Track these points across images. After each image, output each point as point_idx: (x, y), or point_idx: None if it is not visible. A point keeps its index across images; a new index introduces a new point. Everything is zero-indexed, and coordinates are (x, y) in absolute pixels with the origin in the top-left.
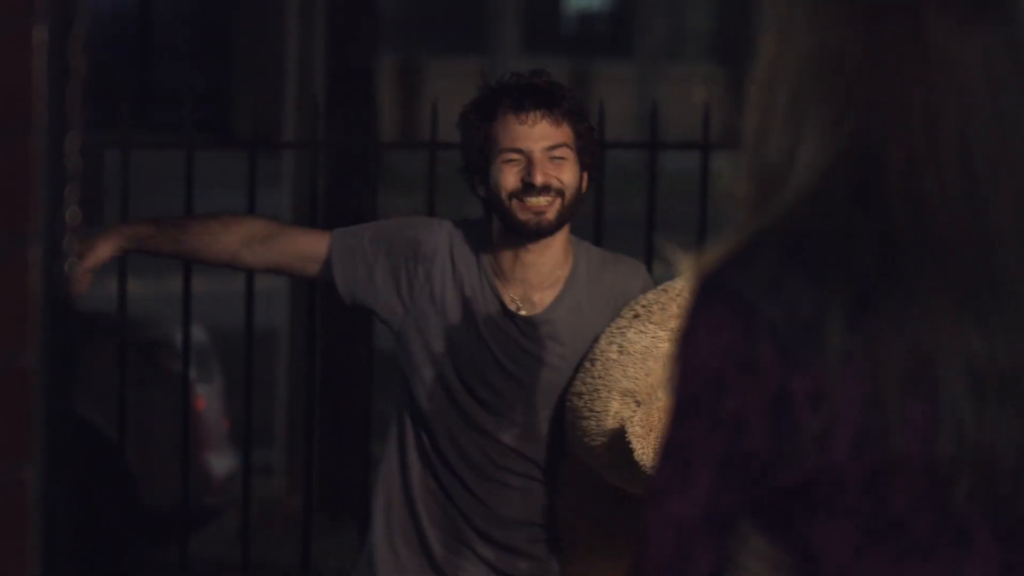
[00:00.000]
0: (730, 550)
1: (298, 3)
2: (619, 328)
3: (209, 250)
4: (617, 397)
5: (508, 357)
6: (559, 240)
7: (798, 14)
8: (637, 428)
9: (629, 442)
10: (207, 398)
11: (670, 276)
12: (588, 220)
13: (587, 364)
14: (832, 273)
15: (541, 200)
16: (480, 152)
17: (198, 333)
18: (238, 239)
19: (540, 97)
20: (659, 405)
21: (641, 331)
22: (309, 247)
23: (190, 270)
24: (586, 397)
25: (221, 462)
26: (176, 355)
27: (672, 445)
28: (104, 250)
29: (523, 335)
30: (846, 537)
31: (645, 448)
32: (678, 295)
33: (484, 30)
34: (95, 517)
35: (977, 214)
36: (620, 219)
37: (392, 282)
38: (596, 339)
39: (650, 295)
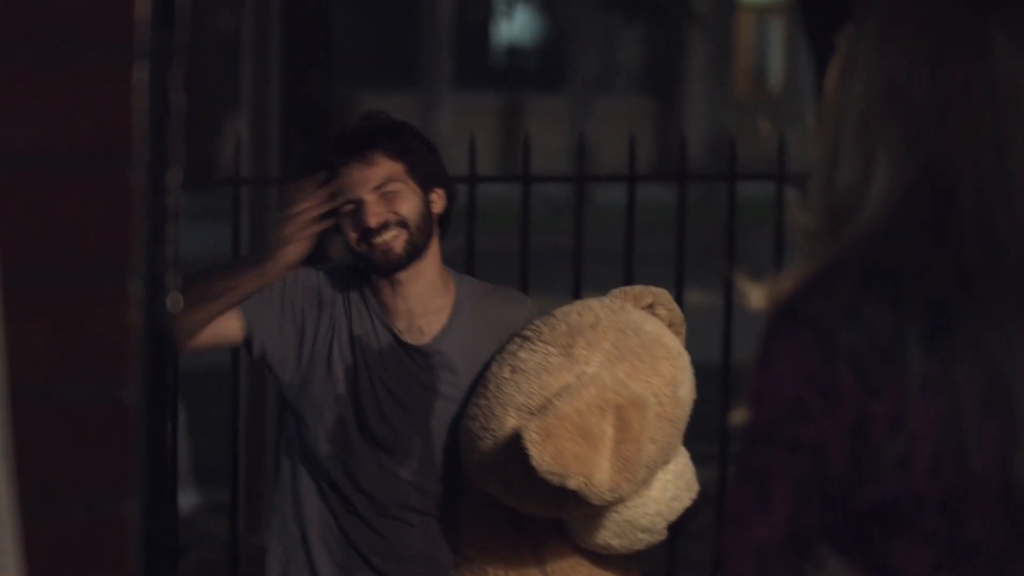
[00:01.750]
0: (808, 573)
1: (253, 39)
2: (510, 351)
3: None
4: (513, 413)
5: (402, 389)
6: (429, 266)
7: (865, 44)
8: (533, 435)
9: (526, 449)
10: (170, 435)
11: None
12: (513, 253)
13: (480, 388)
14: (909, 299)
15: (383, 238)
16: (333, 212)
17: None
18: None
19: (357, 142)
20: (557, 413)
21: (532, 350)
22: (230, 323)
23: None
24: (480, 419)
25: (185, 500)
26: None
27: (751, 468)
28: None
29: (416, 365)
30: (923, 559)
31: (542, 454)
32: (565, 315)
33: (417, 65)
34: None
35: None
36: (547, 252)
37: (298, 334)
38: (487, 365)
39: (537, 320)
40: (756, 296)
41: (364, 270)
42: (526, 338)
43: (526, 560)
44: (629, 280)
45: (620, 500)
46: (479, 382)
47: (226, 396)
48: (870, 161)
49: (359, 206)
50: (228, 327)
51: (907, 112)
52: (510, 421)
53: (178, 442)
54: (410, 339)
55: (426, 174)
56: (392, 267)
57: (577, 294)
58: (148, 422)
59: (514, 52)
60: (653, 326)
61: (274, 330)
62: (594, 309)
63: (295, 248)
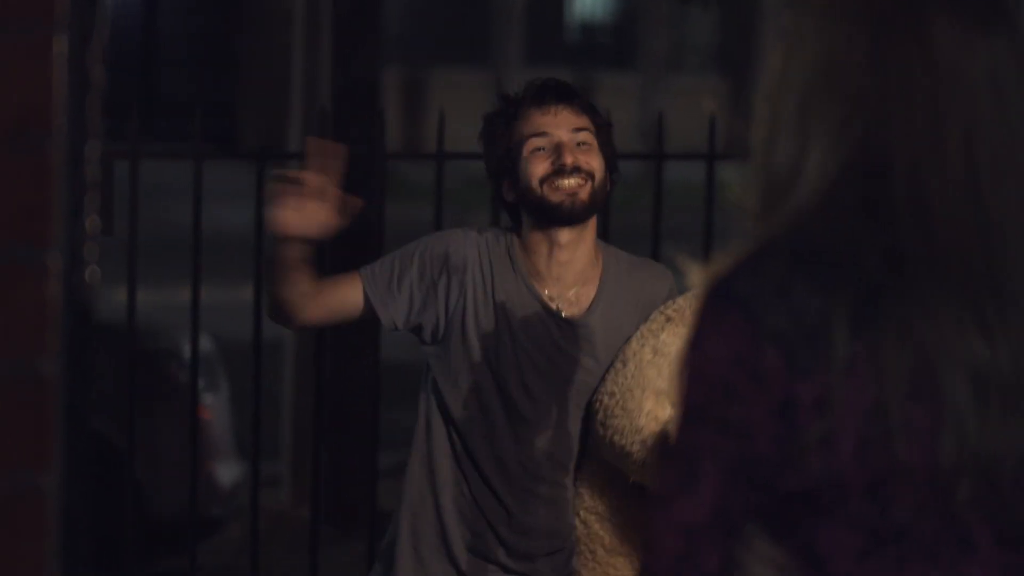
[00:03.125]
0: (736, 553)
1: (304, 16)
2: (651, 331)
3: (304, 308)
4: (652, 396)
5: (547, 359)
6: (590, 235)
7: (806, 25)
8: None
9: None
10: (213, 408)
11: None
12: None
13: (619, 365)
14: (838, 282)
15: (573, 181)
16: (507, 153)
17: (205, 343)
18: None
19: (559, 91)
20: None
21: (675, 334)
22: (346, 296)
23: (198, 280)
24: (618, 396)
25: (227, 472)
26: (183, 365)
27: (680, 449)
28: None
29: (562, 335)
30: (850, 542)
31: None
32: None
33: (488, 41)
34: (103, 526)
35: (981, 223)
36: (624, 230)
37: (429, 301)
38: (627, 341)
39: (680, 300)
40: (695, 276)
41: (538, 215)
42: (669, 319)
43: (643, 532)
44: (707, 255)
45: None
46: (618, 357)
47: (272, 371)
48: (806, 141)
49: (553, 145)
50: (346, 299)
51: (844, 93)
52: (648, 404)
53: (219, 415)
54: (559, 309)
55: (611, 148)
56: (571, 214)
57: None
58: (68, 395)
59: (586, 29)
60: None
61: (401, 301)
62: None
63: (295, 217)
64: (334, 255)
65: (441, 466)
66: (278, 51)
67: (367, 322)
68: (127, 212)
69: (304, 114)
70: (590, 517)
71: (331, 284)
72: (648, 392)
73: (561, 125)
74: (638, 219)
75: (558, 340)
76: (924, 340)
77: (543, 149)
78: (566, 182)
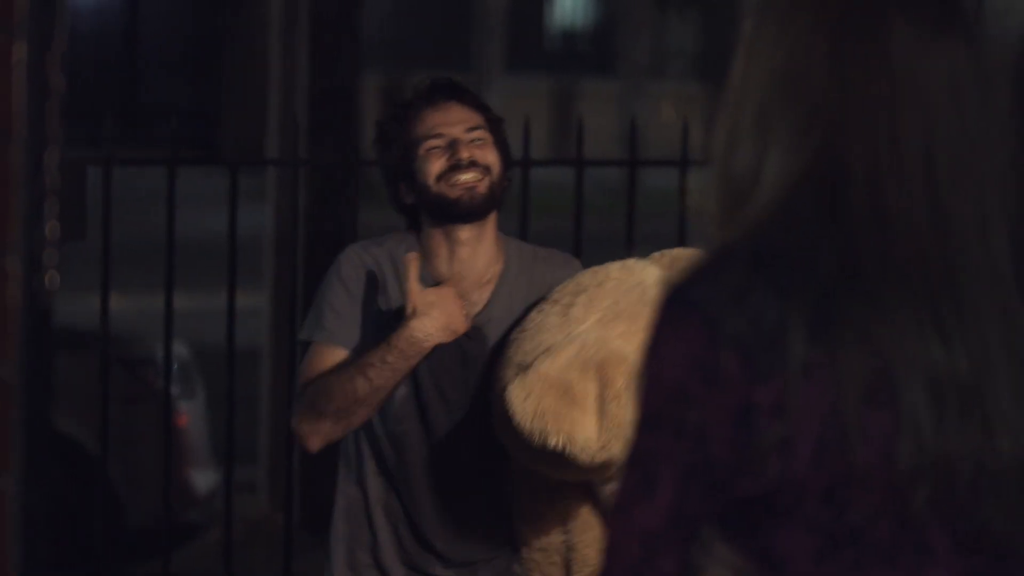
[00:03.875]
0: (694, 558)
1: (281, 22)
2: (528, 317)
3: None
4: (511, 373)
5: (456, 364)
6: (490, 231)
7: (766, 31)
8: (515, 392)
9: (508, 408)
10: (190, 415)
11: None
12: (565, 236)
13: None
14: (796, 286)
15: (470, 176)
16: (402, 156)
17: (180, 350)
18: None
19: (449, 90)
20: (537, 370)
21: (539, 310)
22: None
23: (172, 287)
24: (497, 383)
25: (203, 478)
26: (159, 372)
27: (637, 455)
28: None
29: (466, 338)
30: (807, 546)
31: (523, 412)
32: (580, 275)
33: (468, 47)
34: (77, 533)
35: (940, 229)
36: (601, 236)
37: (373, 320)
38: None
39: (560, 286)
40: (655, 280)
41: (437, 213)
42: (544, 298)
43: (553, 524)
44: None
45: (613, 460)
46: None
47: (248, 377)
48: (765, 148)
49: (448, 142)
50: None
51: (803, 100)
52: (507, 382)
53: (196, 421)
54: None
55: (504, 145)
56: (472, 208)
57: None
58: (28, 399)
59: (567, 35)
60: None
61: (367, 335)
62: (609, 269)
63: (438, 340)
64: (310, 262)
65: (372, 484)
66: (258, 57)
67: None
68: (100, 218)
69: (281, 120)
70: (518, 521)
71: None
72: (508, 370)
73: (454, 123)
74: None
75: (463, 343)
76: (882, 345)
77: (438, 148)
78: (463, 177)
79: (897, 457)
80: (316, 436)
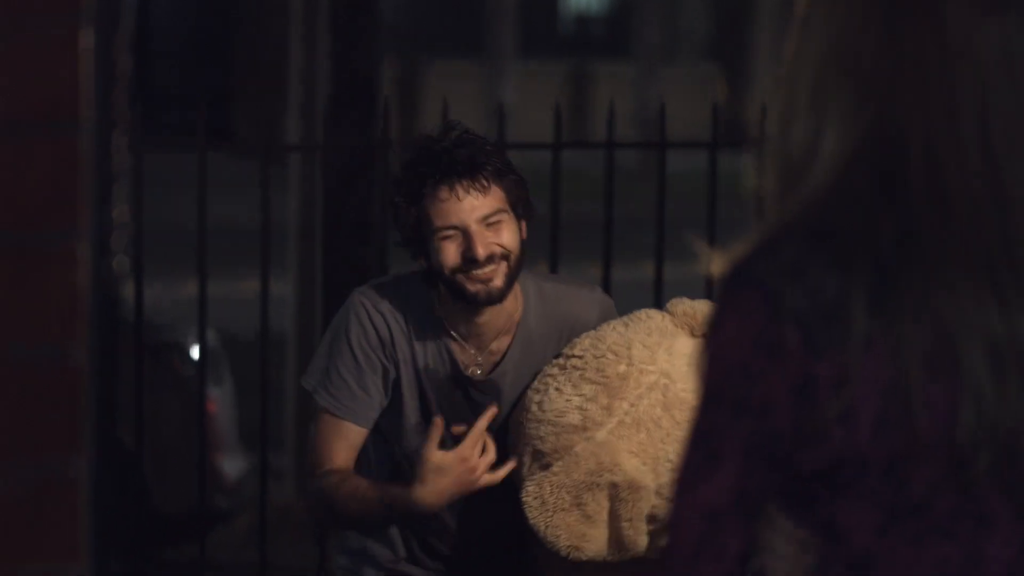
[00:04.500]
0: (758, 533)
1: (301, 8)
2: (549, 376)
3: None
4: (528, 454)
5: (466, 413)
6: (510, 293)
7: (819, 7)
8: (530, 498)
9: (524, 508)
10: (218, 401)
11: (686, 275)
12: (585, 220)
13: (521, 403)
14: (855, 260)
15: (487, 270)
16: (415, 231)
17: (209, 337)
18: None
19: (461, 168)
20: (553, 482)
21: (560, 390)
22: (359, 441)
23: (205, 275)
24: (511, 437)
25: (232, 465)
26: (187, 359)
27: (700, 431)
28: None
29: (480, 393)
30: (869, 519)
31: (537, 518)
32: (603, 354)
33: (482, 33)
34: (110, 520)
35: (997, 199)
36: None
37: (384, 381)
38: (536, 376)
39: (586, 342)
40: (716, 262)
41: (454, 297)
42: (562, 368)
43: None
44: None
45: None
46: (529, 386)
47: (275, 364)
48: (821, 123)
49: (463, 232)
50: (357, 445)
51: (858, 75)
52: (526, 459)
53: (223, 408)
54: (473, 370)
55: (522, 202)
56: (488, 301)
57: (659, 264)
58: (97, 383)
59: (580, 20)
60: (681, 359)
61: (377, 403)
62: (632, 351)
63: (438, 506)
64: (332, 248)
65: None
66: (274, 43)
67: None
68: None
69: (302, 106)
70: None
71: (343, 449)
72: (528, 448)
73: (468, 211)
74: (635, 210)
75: (476, 399)
76: (942, 316)
77: (452, 237)
78: (479, 272)
79: (959, 427)
80: (327, 521)
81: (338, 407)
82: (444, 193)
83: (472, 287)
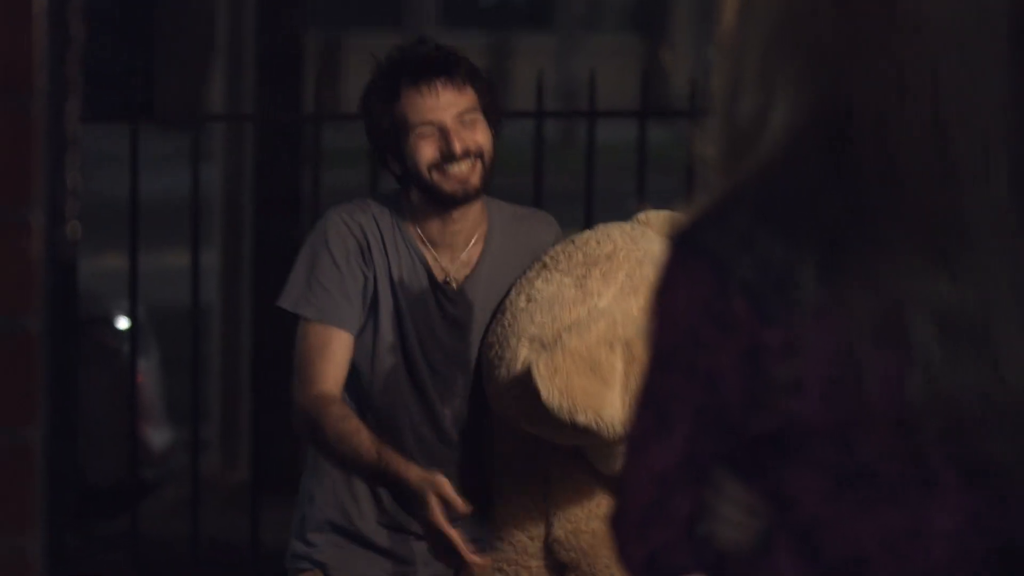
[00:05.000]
0: (707, 497)
1: None
2: (528, 279)
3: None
4: (525, 343)
5: (442, 329)
6: (479, 199)
7: None
8: (542, 370)
9: (535, 384)
10: (145, 373)
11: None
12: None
13: (498, 315)
14: (803, 228)
15: (463, 167)
16: (390, 132)
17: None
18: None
19: (438, 66)
20: (566, 348)
21: (547, 279)
22: (347, 350)
23: (136, 248)
24: (496, 347)
25: (158, 437)
26: (114, 331)
27: (649, 396)
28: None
29: (451, 303)
30: (817, 485)
31: (551, 390)
32: (584, 243)
33: (402, 4)
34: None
35: (945, 169)
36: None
37: (363, 293)
38: (507, 291)
39: (557, 247)
40: (662, 226)
41: (428, 197)
42: (544, 265)
43: (534, 479)
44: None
45: None
46: (498, 307)
47: (203, 334)
48: (770, 95)
49: (439, 129)
50: (346, 354)
51: (808, 47)
52: (522, 352)
53: (150, 380)
54: (447, 277)
55: (494, 107)
56: (466, 198)
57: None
58: (52, 351)
59: None
60: None
61: (360, 312)
62: (613, 238)
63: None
64: (261, 221)
65: None
66: (196, 15)
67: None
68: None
69: (228, 78)
70: (500, 480)
71: (331, 363)
72: (522, 339)
73: (444, 108)
74: (557, 181)
75: (448, 309)
76: (890, 286)
77: (428, 134)
78: (456, 169)
79: (907, 394)
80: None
81: (323, 314)
82: (422, 90)
83: (449, 186)
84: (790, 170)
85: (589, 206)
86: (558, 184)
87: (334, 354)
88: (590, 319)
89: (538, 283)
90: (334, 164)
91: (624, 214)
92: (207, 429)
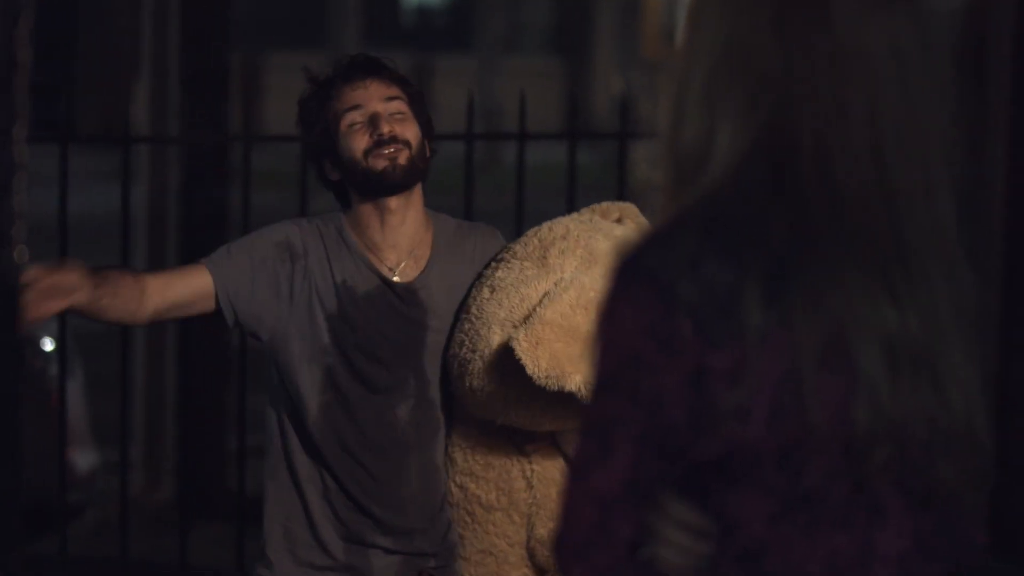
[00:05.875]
0: (650, 521)
1: (152, 2)
2: (486, 275)
3: (115, 308)
4: (497, 329)
5: (393, 328)
6: (417, 201)
7: (710, 5)
8: (524, 344)
9: (519, 358)
10: (69, 395)
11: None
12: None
13: (463, 314)
14: (748, 253)
15: (392, 148)
16: (324, 132)
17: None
18: (138, 295)
19: (367, 66)
20: (542, 319)
21: (508, 267)
22: (197, 285)
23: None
24: (467, 343)
25: (84, 459)
26: (39, 352)
27: (593, 420)
28: (51, 309)
29: (403, 303)
30: (761, 509)
31: (536, 360)
32: (536, 232)
33: (324, 24)
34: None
35: (886, 193)
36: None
37: (273, 291)
38: (465, 295)
39: (509, 244)
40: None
41: (363, 187)
42: (501, 259)
43: (517, 483)
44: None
45: None
46: (461, 309)
47: (126, 355)
48: (713, 120)
49: (369, 118)
50: (193, 290)
51: (749, 73)
52: (496, 338)
53: (75, 401)
54: (396, 277)
55: (424, 116)
56: (396, 178)
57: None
58: None
59: (423, 11)
60: (623, 231)
61: (245, 292)
62: (563, 222)
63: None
64: (186, 241)
65: (300, 460)
66: (119, 33)
67: (240, 330)
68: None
69: (152, 99)
70: (465, 479)
71: (175, 274)
72: (494, 326)
73: (373, 96)
74: (479, 202)
75: (399, 308)
76: (835, 310)
77: (359, 123)
78: (387, 150)
79: (853, 420)
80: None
81: (209, 261)
82: (354, 84)
83: (379, 164)
84: (735, 194)
85: (519, 225)
86: (487, 204)
87: (175, 276)
88: (559, 290)
89: (499, 273)
90: (259, 185)
91: None
92: (132, 450)
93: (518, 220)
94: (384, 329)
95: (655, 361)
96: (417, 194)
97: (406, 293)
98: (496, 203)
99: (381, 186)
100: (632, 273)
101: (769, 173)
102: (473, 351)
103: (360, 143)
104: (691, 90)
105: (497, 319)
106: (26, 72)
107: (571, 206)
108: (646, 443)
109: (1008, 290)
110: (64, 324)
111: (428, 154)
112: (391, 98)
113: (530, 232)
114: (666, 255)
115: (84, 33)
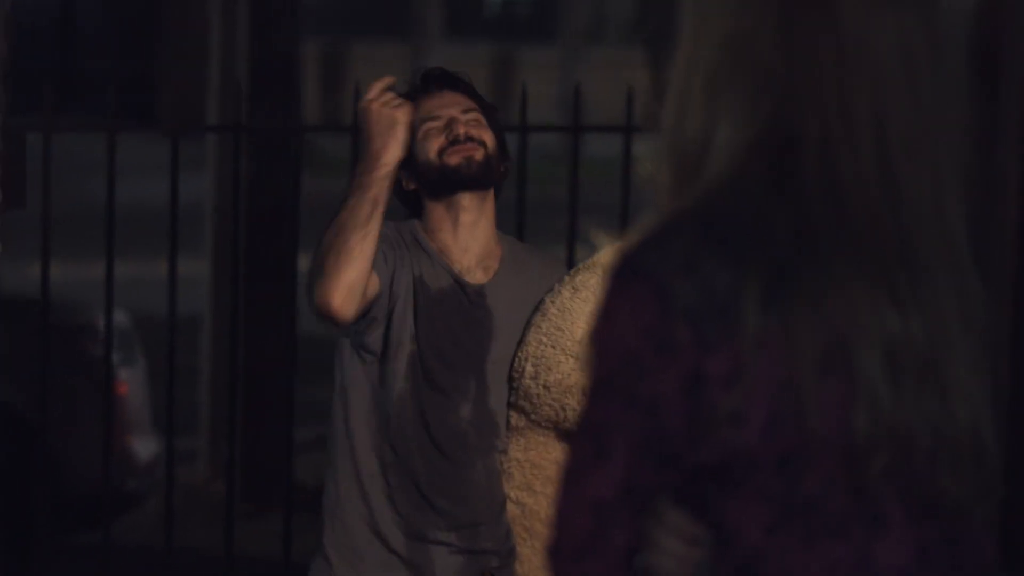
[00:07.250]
0: (646, 528)
1: None
2: (560, 286)
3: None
4: (581, 322)
5: (462, 328)
6: (489, 209)
7: (714, 0)
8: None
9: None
10: (130, 383)
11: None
12: (511, 204)
13: (537, 319)
14: (748, 255)
15: (467, 146)
16: (407, 150)
17: (121, 318)
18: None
19: (443, 79)
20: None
21: (590, 272)
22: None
23: (112, 255)
24: (546, 341)
25: (144, 447)
26: (99, 339)
27: (589, 424)
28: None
29: (472, 304)
30: (759, 517)
31: None
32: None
33: (407, 15)
34: (16, 502)
35: (892, 196)
36: (542, 203)
37: (387, 277)
38: (535, 309)
39: (580, 270)
40: (605, 249)
41: (438, 188)
42: (566, 282)
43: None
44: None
45: None
46: (531, 321)
47: (188, 344)
48: (715, 117)
49: (445, 122)
50: (372, 287)
51: (753, 68)
52: (579, 330)
53: (136, 390)
54: (469, 278)
55: (499, 131)
56: (471, 174)
57: (571, 247)
58: None
59: (506, 2)
60: None
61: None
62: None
63: (391, 148)
64: (250, 231)
65: (362, 456)
66: (197, 24)
67: (284, 294)
68: (41, 186)
69: (221, 88)
70: (522, 494)
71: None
72: (578, 320)
73: (449, 105)
74: (556, 193)
75: (468, 309)
76: (836, 314)
77: (436, 129)
78: (461, 147)
79: (853, 427)
80: (328, 288)
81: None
82: (431, 93)
83: (453, 160)
84: (735, 194)
85: (573, 219)
86: (551, 196)
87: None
88: None
89: (579, 277)
90: (334, 174)
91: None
92: (195, 440)
93: (572, 212)
94: (453, 327)
95: (652, 363)
96: (490, 203)
97: (476, 295)
98: (584, 196)
99: (456, 178)
100: (630, 274)
101: (770, 172)
102: (553, 347)
103: (435, 144)
104: (694, 86)
105: (583, 313)
106: (3, 64)
107: (625, 199)
108: (642, 448)
109: (1020, 299)
110: (111, 310)
111: (503, 169)
112: (468, 110)
113: (593, 266)
114: (664, 255)
115: (161, 23)
